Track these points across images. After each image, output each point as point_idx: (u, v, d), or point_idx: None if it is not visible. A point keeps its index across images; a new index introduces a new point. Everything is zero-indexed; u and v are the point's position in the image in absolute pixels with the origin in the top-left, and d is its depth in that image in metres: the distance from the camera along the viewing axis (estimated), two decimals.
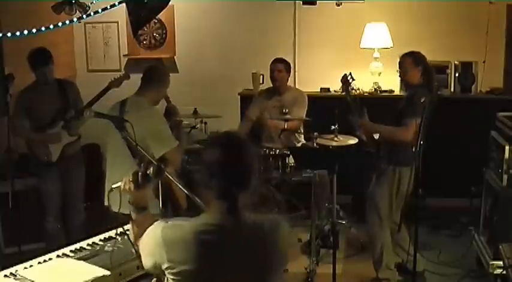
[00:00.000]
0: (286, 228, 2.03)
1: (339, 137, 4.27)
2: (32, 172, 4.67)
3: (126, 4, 3.83)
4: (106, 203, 3.34)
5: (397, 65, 4.27)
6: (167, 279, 1.92)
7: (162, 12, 4.10)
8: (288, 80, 5.43)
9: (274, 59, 5.39)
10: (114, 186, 2.17)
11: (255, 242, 1.93)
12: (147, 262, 1.98)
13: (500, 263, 3.46)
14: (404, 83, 4.34)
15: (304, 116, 5.24)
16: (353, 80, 4.26)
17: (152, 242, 1.92)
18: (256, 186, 1.96)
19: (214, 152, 1.92)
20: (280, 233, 1.99)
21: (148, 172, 2.10)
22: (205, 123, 5.43)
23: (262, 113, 5.33)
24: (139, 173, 2.09)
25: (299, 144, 5.29)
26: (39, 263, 2.60)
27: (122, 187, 2.12)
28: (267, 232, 1.95)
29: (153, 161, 2.49)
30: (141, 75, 3.98)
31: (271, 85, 5.45)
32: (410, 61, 4.16)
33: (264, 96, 5.45)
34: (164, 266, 1.89)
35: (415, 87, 4.11)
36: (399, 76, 4.32)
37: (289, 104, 5.32)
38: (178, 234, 1.89)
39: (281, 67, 5.32)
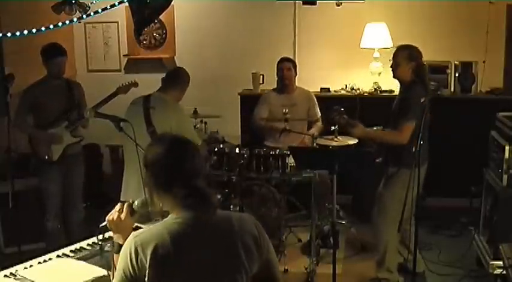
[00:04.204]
0: (255, 223, 2.06)
1: (338, 137, 4.26)
2: (33, 171, 4.67)
3: (129, 4, 3.83)
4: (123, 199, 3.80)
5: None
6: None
7: None
8: (295, 79, 5.43)
9: (281, 58, 5.39)
10: (102, 224, 2.23)
11: (218, 236, 1.96)
12: (122, 270, 1.93)
13: (500, 263, 3.47)
14: (395, 76, 4.18)
15: None
16: (341, 112, 4.16)
17: (126, 247, 1.92)
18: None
19: (158, 151, 2.00)
20: (247, 227, 2.01)
21: (133, 205, 2.18)
22: (205, 123, 5.43)
23: (271, 112, 5.33)
24: (126, 203, 2.18)
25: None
26: (39, 263, 2.60)
27: (108, 218, 2.17)
28: (236, 228, 1.99)
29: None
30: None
31: (276, 85, 5.44)
32: (405, 55, 4.05)
33: (272, 95, 5.43)
34: (143, 269, 1.88)
35: (411, 86, 4.01)
36: (390, 67, 4.19)
37: (302, 103, 5.34)
38: (149, 234, 1.92)
39: (289, 65, 5.33)
